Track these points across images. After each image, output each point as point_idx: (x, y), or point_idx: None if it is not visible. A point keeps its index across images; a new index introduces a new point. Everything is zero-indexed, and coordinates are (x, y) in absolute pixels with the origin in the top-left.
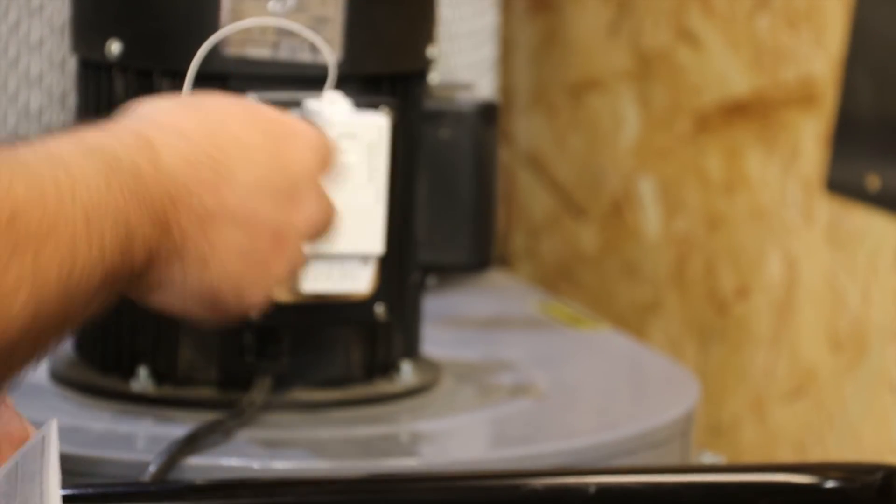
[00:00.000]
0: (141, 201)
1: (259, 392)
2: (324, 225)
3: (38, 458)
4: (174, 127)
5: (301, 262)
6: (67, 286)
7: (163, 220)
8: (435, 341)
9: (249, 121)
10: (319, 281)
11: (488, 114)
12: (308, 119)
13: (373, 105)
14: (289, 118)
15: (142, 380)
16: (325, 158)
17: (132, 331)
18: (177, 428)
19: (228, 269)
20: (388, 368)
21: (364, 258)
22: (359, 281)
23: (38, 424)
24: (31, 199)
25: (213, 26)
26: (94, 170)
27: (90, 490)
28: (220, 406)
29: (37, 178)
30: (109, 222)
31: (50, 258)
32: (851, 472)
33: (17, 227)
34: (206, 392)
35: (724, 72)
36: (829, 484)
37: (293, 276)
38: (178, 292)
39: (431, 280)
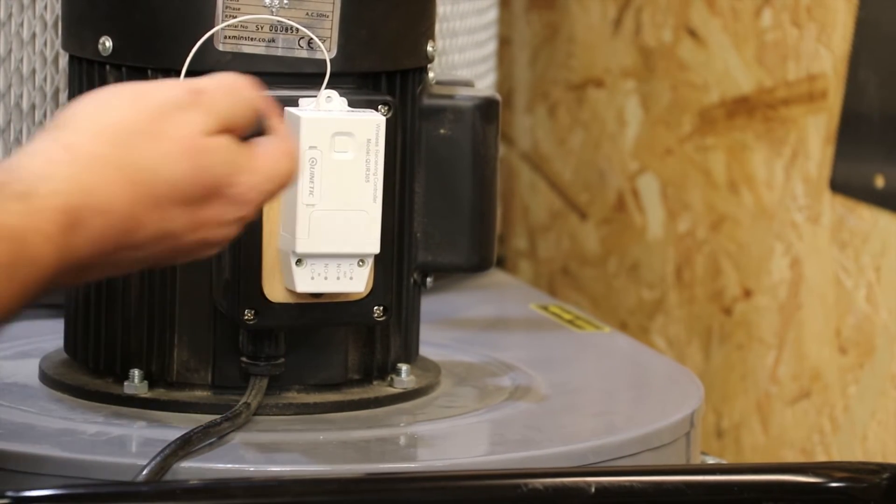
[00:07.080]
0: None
1: (254, 394)
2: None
3: None
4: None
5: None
6: None
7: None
8: (434, 342)
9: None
10: (315, 281)
11: (489, 110)
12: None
13: (370, 102)
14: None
15: (135, 382)
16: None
17: (125, 332)
18: (170, 431)
19: (159, 255)
20: (385, 370)
21: (361, 258)
22: (355, 281)
23: (30, 426)
24: None
25: (207, 22)
26: None
27: (81, 490)
28: (214, 409)
29: None
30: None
31: None
32: (857, 473)
33: None
34: (200, 394)
35: (728, 69)
36: (835, 484)
37: (286, 276)
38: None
39: (430, 280)
